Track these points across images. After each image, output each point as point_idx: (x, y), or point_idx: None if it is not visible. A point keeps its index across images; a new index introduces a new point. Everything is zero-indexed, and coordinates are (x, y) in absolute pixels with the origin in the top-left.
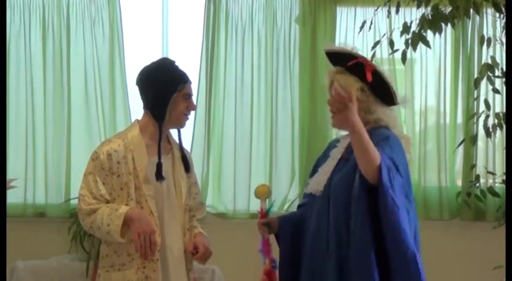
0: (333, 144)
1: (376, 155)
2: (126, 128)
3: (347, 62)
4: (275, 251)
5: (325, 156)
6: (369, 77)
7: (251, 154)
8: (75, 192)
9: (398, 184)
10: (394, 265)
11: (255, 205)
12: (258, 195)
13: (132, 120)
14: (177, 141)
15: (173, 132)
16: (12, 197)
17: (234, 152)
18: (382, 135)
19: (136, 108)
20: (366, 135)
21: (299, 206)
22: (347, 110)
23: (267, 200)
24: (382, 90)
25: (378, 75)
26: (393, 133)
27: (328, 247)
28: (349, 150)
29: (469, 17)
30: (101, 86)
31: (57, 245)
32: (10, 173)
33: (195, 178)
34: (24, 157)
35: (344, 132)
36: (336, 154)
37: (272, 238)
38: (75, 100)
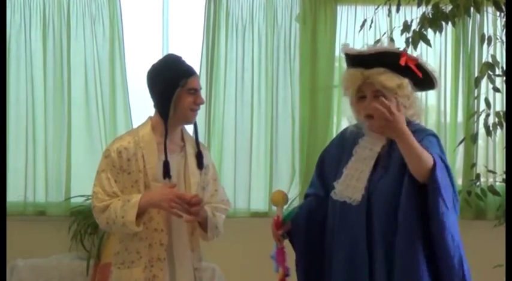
0: (354, 139)
1: (428, 159)
2: (139, 125)
3: (387, 61)
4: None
5: (345, 151)
6: (420, 74)
7: (251, 153)
8: (75, 190)
9: (447, 183)
10: (441, 269)
11: (255, 204)
12: (274, 202)
13: (133, 119)
14: (192, 137)
15: (189, 128)
16: (13, 195)
17: (234, 151)
18: (422, 132)
19: (137, 106)
20: (416, 142)
21: (307, 195)
22: (394, 121)
23: (284, 207)
24: (424, 82)
25: (422, 68)
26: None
27: (371, 260)
28: (386, 156)
29: (469, 16)
30: (101, 84)
31: (57, 243)
32: (10, 171)
33: (215, 175)
34: (25, 155)
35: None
36: (366, 157)
37: (287, 245)
38: (76, 98)
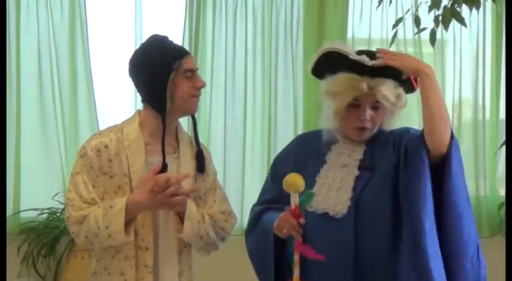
0: (325, 146)
1: (447, 115)
2: (124, 121)
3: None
4: None
5: (310, 157)
6: (415, 85)
7: (244, 158)
8: (26, 202)
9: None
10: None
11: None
12: (288, 187)
13: (99, 115)
14: (189, 137)
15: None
16: None
17: (224, 154)
18: (396, 130)
19: (104, 100)
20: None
21: (264, 202)
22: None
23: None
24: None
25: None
26: None
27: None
28: (369, 159)
29: None
30: (58, 72)
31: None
32: None
33: (215, 183)
34: None
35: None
36: (347, 164)
37: None
38: (27, 90)
